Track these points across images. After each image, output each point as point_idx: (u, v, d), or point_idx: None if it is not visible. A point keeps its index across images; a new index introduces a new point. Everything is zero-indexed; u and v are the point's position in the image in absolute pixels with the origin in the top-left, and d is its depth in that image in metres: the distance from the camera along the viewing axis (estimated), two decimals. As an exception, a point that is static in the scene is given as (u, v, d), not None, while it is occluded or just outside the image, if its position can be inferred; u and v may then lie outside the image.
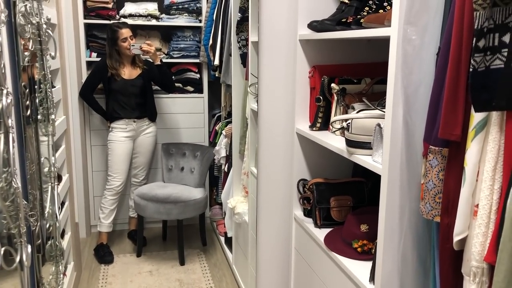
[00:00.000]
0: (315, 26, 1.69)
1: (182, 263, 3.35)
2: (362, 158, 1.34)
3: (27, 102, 1.73)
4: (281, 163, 1.94)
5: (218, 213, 3.96)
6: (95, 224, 3.87)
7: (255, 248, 2.22)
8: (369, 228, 1.48)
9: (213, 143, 3.94)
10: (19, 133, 1.64)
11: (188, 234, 3.75)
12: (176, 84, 3.81)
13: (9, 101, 1.44)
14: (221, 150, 3.52)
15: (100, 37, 3.66)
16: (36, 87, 2.04)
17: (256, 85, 2.43)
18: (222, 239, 3.62)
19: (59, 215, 2.33)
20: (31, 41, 1.92)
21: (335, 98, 1.64)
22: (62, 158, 2.75)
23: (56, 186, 2.22)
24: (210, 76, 3.84)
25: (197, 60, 3.84)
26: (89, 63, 3.66)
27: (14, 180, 1.50)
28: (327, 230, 1.70)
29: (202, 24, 3.77)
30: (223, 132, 3.52)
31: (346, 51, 1.79)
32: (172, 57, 3.80)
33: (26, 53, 1.85)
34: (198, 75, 3.91)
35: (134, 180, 3.67)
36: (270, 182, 1.97)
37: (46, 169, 2.17)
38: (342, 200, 1.69)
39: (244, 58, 2.74)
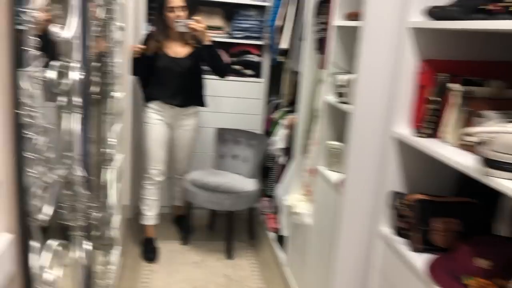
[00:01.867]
0: (435, 12, 1.41)
1: (229, 256, 3.16)
2: (503, 183, 1.08)
3: (95, 79, 1.54)
4: (371, 170, 1.69)
5: (267, 206, 3.74)
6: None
7: (325, 257, 1.99)
8: (493, 265, 1.22)
9: (268, 132, 3.71)
10: (85, 113, 1.45)
11: (236, 225, 3.55)
12: (236, 67, 3.59)
13: (78, 78, 1.24)
14: (278, 141, 3.29)
15: (160, 11, 3.46)
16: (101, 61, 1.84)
17: (337, 75, 2.17)
18: (272, 235, 3.40)
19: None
20: (99, 8, 1.71)
21: (454, 101, 1.37)
22: (118, 137, 2.58)
23: (112, 170, 2.04)
24: (272, 60, 3.59)
25: (260, 42, 3.60)
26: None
27: (78, 168, 1.32)
28: (426, 256, 1.45)
29: (268, 4, 3.52)
30: (283, 122, 3.28)
31: (471, 46, 1.50)
32: (234, 37, 3.56)
33: (95, 22, 1.65)
34: (259, 58, 3.67)
35: (175, 173, 3.33)
36: (356, 190, 1.73)
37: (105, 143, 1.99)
38: (449, 223, 1.43)
39: (320, 44, 2.48)
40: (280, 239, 3.12)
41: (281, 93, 3.51)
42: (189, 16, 2.85)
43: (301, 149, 2.82)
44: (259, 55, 3.67)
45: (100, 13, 1.79)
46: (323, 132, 2.35)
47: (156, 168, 3.05)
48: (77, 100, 1.26)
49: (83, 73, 1.22)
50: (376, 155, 1.67)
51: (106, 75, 1.96)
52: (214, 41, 2.90)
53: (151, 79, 2.97)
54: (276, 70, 3.62)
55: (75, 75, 1.22)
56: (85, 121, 1.47)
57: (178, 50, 2.93)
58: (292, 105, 3.39)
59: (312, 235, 2.45)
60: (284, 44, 3.04)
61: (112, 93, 1.98)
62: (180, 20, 2.70)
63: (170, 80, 2.93)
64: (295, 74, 3.05)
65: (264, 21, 3.60)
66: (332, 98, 2.23)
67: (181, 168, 3.28)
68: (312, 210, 2.51)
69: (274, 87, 3.85)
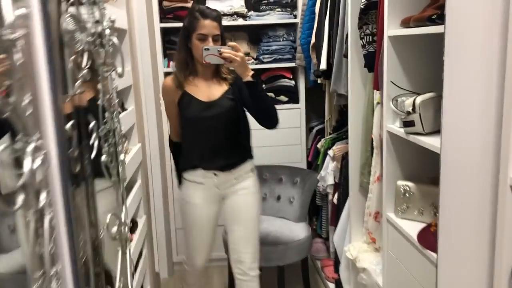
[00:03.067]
0: None
1: (284, 320, 2.67)
2: None
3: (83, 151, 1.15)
4: (477, 231, 1.19)
5: (321, 249, 3.25)
6: (178, 261, 3.32)
7: None
8: None
9: (313, 164, 3.24)
10: (66, 207, 1.03)
11: (287, 277, 3.06)
12: (269, 94, 3.15)
13: (39, 162, 0.82)
14: (327, 176, 2.81)
15: (178, 43, 3.09)
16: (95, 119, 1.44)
17: (398, 99, 1.69)
18: (331, 286, 2.90)
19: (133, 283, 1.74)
20: (85, 54, 1.30)
21: None
22: (137, 198, 2.18)
23: (129, 249, 1.62)
24: (308, 82, 3.14)
25: (292, 64, 3.16)
26: (167, 75, 3.10)
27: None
28: None
29: (298, 20, 3.09)
30: (330, 153, 2.81)
31: None
32: (262, 62, 3.14)
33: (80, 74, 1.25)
34: (293, 82, 3.23)
35: (238, 269, 2.18)
36: (456, 260, 1.23)
37: (114, 229, 1.58)
38: None
39: (369, 60, 2.01)
40: (343, 293, 2.61)
41: (325, 119, 3.04)
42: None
43: (358, 187, 2.33)
44: (292, 79, 3.23)
45: (88, 59, 1.37)
46: (388, 168, 1.87)
47: (197, 258, 2.26)
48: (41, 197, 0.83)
49: (42, 154, 0.80)
50: (486, 209, 1.18)
51: (108, 134, 1.55)
52: (257, 76, 2.01)
53: (181, 138, 2.20)
54: (314, 93, 3.17)
55: (29, 162, 0.79)
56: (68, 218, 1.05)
57: (211, 91, 2.07)
58: (338, 130, 2.92)
59: (386, 297, 1.95)
60: (323, 63, 2.58)
61: (120, 156, 1.57)
62: (210, 46, 1.97)
63: (206, 134, 2.07)
64: (339, 96, 2.58)
65: (294, 40, 3.17)
66: (396, 127, 1.75)
67: (245, 261, 2.16)
68: (381, 266, 2.01)
69: (314, 112, 3.39)
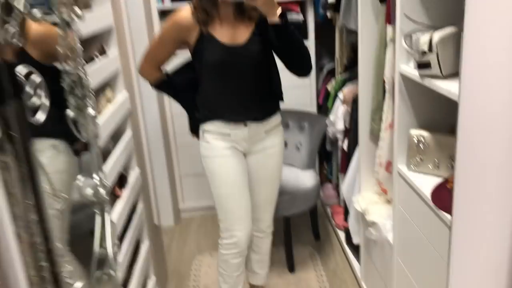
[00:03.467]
0: None
1: (291, 269, 2.58)
2: None
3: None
4: (499, 193, 0.99)
5: (332, 195, 3.10)
6: (184, 208, 3.23)
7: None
8: None
9: (323, 107, 3.01)
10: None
11: (295, 224, 2.95)
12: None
13: None
14: (337, 121, 2.59)
15: (173, -24, 2.79)
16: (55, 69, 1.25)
17: (413, 35, 1.44)
18: (340, 233, 2.77)
19: (118, 248, 1.62)
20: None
21: None
22: (127, 150, 2.02)
23: (108, 211, 1.47)
24: (318, 16, 2.84)
25: (299, -4, 2.86)
26: (163, 14, 2.84)
27: None
28: None
29: None
30: (340, 95, 2.57)
31: None
32: (266, -5, 2.83)
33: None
34: (301, 16, 2.93)
35: (255, 226, 2.04)
36: (472, 222, 1.04)
37: (88, 191, 1.43)
38: None
39: (381, -11, 1.73)
40: (352, 243, 2.47)
41: (335, 57, 2.77)
42: None
43: (369, 135, 2.12)
44: (301, 13, 2.92)
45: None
46: (400, 115, 1.64)
47: (241, 229, 1.91)
48: None
49: None
50: (510, 170, 0.97)
51: (74, 86, 1.36)
52: (286, 16, 1.66)
53: (199, 88, 1.88)
54: (325, 29, 2.88)
55: None
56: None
57: (235, 33, 1.75)
58: (349, 70, 2.66)
59: (394, 254, 1.79)
60: (330, -5, 2.29)
61: (88, 109, 1.39)
62: None
63: (233, 82, 1.79)
64: (350, 32, 2.30)
65: (302, -32, 2.84)
66: (410, 69, 1.51)
67: (264, 220, 2.07)
68: (392, 221, 1.84)
69: (324, 50, 3.11)
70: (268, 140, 1.91)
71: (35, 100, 1.03)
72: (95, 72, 1.70)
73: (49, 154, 1.43)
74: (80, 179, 1.39)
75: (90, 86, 1.38)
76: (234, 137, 1.85)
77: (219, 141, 1.86)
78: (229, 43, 1.74)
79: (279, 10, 1.61)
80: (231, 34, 1.74)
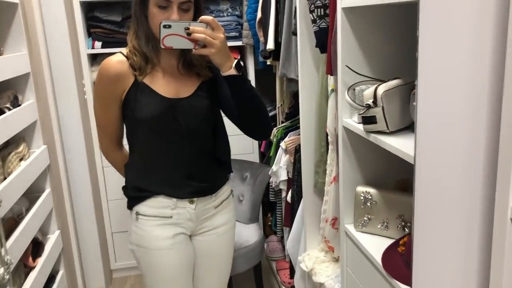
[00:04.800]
0: None
1: (234, 335, 2.36)
2: None
3: None
4: (464, 269, 0.87)
5: (277, 249, 2.94)
6: (117, 268, 2.94)
7: None
8: None
9: (266, 156, 2.90)
10: None
11: (238, 281, 2.74)
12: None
13: None
14: (280, 171, 2.47)
15: (105, 20, 2.64)
16: None
17: (356, 88, 1.35)
18: (287, 291, 2.60)
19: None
20: None
21: None
22: (45, 211, 1.77)
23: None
24: (258, 63, 2.77)
25: (239, 43, 2.78)
26: (93, 58, 2.66)
27: None
28: None
29: (243, -8, 2.70)
30: (282, 145, 2.46)
31: None
32: (204, 41, 2.73)
33: None
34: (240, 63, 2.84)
35: None
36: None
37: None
38: None
39: (321, 38, 1.65)
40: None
41: (276, 105, 2.69)
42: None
43: (313, 188, 2.01)
44: (240, 60, 2.84)
45: None
46: (344, 170, 1.53)
47: None
48: None
49: None
50: (473, 244, 0.86)
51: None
52: (242, 67, 1.41)
53: (130, 154, 1.55)
54: (265, 75, 2.80)
55: None
56: None
57: (177, 86, 1.46)
58: (291, 118, 2.58)
59: (346, 320, 1.64)
60: (270, 43, 2.21)
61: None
62: (172, 22, 1.30)
63: (172, 144, 1.47)
64: (290, 80, 2.23)
65: (241, 14, 2.78)
66: (353, 123, 1.41)
67: None
68: (340, 284, 1.70)
69: (265, 97, 3.03)
70: (218, 217, 1.59)
71: None
72: (6, 125, 1.48)
73: None
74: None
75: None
76: (178, 220, 1.50)
77: (158, 229, 1.48)
78: (170, 96, 1.43)
79: (234, 61, 1.36)
80: (172, 87, 1.44)
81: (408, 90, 1.27)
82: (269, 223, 3.08)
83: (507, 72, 0.71)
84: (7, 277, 1.23)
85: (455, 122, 0.84)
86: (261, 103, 1.48)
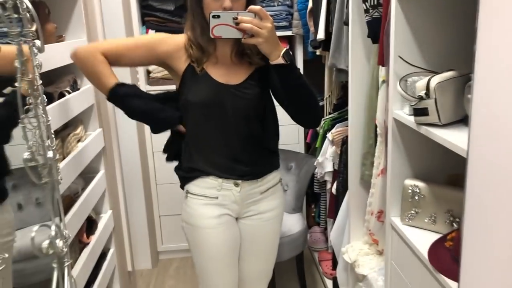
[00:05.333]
0: None
1: (275, 323, 2.39)
2: None
3: None
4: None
5: (320, 240, 2.94)
6: (164, 250, 3.04)
7: None
8: None
9: (311, 147, 2.90)
10: None
11: (280, 270, 2.77)
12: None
13: None
14: (325, 162, 2.47)
15: (159, 9, 2.71)
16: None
17: (408, 79, 1.33)
18: (328, 282, 2.60)
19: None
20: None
21: None
22: (99, 191, 1.86)
23: (67, 266, 1.30)
24: (307, 53, 2.76)
25: (288, 33, 2.78)
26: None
27: None
28: None
29: (295, -19, 2.69)
30: (329, 136, 2.45)
31: None
32: (254, 31, 2.75)
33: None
34: (289, 52, 2.84)
35: None
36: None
37: (44, 244, 1.27)
38: None
39: (373, 28, 1.63)
40: (341, 294, 2.30)
41: (324, 96, 2.67)
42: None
43: (359, 180, 1.99)
44: (290, 49, 2.84)
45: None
46: (393, 162, 1.51)
47: None
48: None
49: None
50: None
51: (36, 128, 1.22)
52: (291, 56, 1.43)
53: (187, 137, 1.58)
54: (314, 66, 2.79)
55: None
56: None
57: (230, 73, 1.51)
58: (339, 110, 2.56)
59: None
60: (321, 33, 2.20)
61: (48, 153, 1.25)
62: (221, 12, 1.34)
63: (221, 127, 1.51)
64: (340, 71, 2.21)
65: (291, 4, 2.78)
66: (404, 114, 1.39)
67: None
68: (384, 276, 1.69)
69: (313, 88, 3.02)
70: (265, 202, 1.61)
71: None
72: (65, 108, 1.56)
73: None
74: (34, 229, 1.24)
75: (50, 126, 1.24)
76: (223, 201, 1.55)
77: (205, 208, 1.55)
78: (222, 81, 1.49)
79: (282, 50, 1.38)
80: (225, 74, 1.49)
81: (463, 82, 1.23)
82: (313, 214, 3.09)
83: None
84: (65, 250, 1.31)
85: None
86: (310, 92, 1.48)
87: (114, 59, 1.49)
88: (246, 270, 1.67)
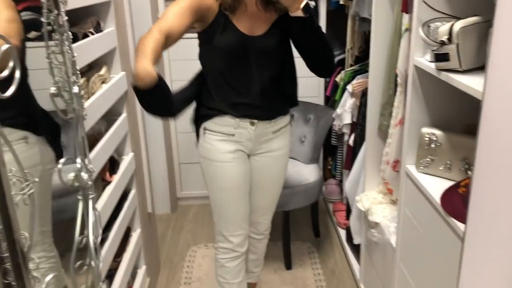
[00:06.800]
0: None
1: (288, 266, 2.48)
2: None
3: None
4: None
5: (335, 191, 2.99)
6: (182, 196, 3.14)
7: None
8: None
9: (330, 99, 2.89)
10: None
11: (295, 219, 2.84)
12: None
13: None
14: (344, 114, 2.48)
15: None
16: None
17: (431, 24, 1.31)
18: (341, 232, 2.67)
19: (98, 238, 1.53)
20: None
21: None
22: (121, 134, 1.92)
23: (92, 197, 1.37)
24: (330, 3, 2.72)
25: (312, -18, 2.72)
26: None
27: None
28: None
29: None
30: (349, 87, 2.45)
31: None
32: (277, -21, 2.70)
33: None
34: (313, 3, 2.79)
35: (253, 228, 1.91)
36: (489, 235, 0.93)
37: (70, 176, 1.33)
38: None
39: (399, -26, 1.60)
40: (352, 240, 2.36)
41: (346, 47, 2.64)
42: None
43: (376, 130, 2.00)
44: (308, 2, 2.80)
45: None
46: (412, 111, 1.52)
47: (238, 234, 1.77)
48: None
49: None
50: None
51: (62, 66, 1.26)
52: (310, 10, 1.47)
53: (205, 76, 1.66)
54: (336, 17, 2.75)
55: None
56: None
57: (253, 24, 1.57)
58: (361, 62, 2.54)
59: (396, 258, 1.69)
60: (344, -20, 2.16)
61: (74, 88, 1.29)
62: None
63: (241, 73, 1.60)
64: (363, 20, 2.18)
65: (316, -49, 2.71)
66: (425, 61, 1.38)
67: (263, 223, 1.93)
68: (396, 223, 1.73)
69: (335, 39, 2.98)
70: (275, 141, 1.74)
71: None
72: (89, 48, 1.59)
73: (19, 147, 1.34)
74: (61, 162, 1.29)
75: (76, 63, 1.27)
76: (239, 138, 1.66)
77: (221, 144, 1.66)
78: (246, 33, 1.55)
79: (303, 2, 1.42)
80: (250, 23, 1.56)
81: (487, 28, 1.21)
82: (329, 167, 3.12)
83: None
84: (90, 183, 1.37)
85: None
86: (325, 42, 1.57)
87: (169, 38, 1.42)
88: (257, 200, 1.84)
